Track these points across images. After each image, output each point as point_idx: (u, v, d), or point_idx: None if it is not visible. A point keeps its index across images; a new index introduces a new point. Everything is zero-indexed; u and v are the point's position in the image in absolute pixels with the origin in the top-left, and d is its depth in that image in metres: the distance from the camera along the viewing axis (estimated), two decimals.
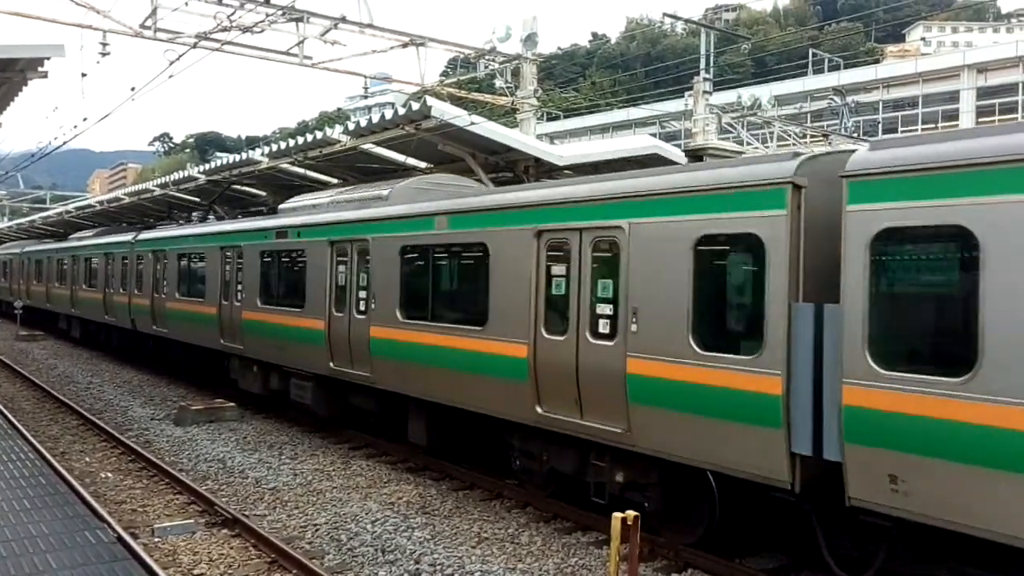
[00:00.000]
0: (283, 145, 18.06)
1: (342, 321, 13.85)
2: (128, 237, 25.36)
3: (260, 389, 17.27)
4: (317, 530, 10.21)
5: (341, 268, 14.03)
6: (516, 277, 10.35)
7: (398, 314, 12.50)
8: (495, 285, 10.73)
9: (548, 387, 9.90)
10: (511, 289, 10.44)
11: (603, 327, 9.24)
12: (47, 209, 51.15)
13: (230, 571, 8.90)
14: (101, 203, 33.17)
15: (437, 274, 12.31)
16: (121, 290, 25.26)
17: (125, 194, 30.20)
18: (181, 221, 24.29)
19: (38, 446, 13.49)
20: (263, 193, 22.64)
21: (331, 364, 14.05)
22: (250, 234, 17.40)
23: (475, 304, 11.23)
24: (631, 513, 6.78)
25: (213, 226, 20.28)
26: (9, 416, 15.90)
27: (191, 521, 10.32)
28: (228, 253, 18.25)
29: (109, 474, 12.94)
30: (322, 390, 15.00)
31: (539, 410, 10.00)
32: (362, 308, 13.42)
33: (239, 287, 17.66)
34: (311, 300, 14.72)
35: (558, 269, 9.91)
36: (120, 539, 8.76)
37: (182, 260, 20.99)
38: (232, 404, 17.52)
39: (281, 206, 17.15)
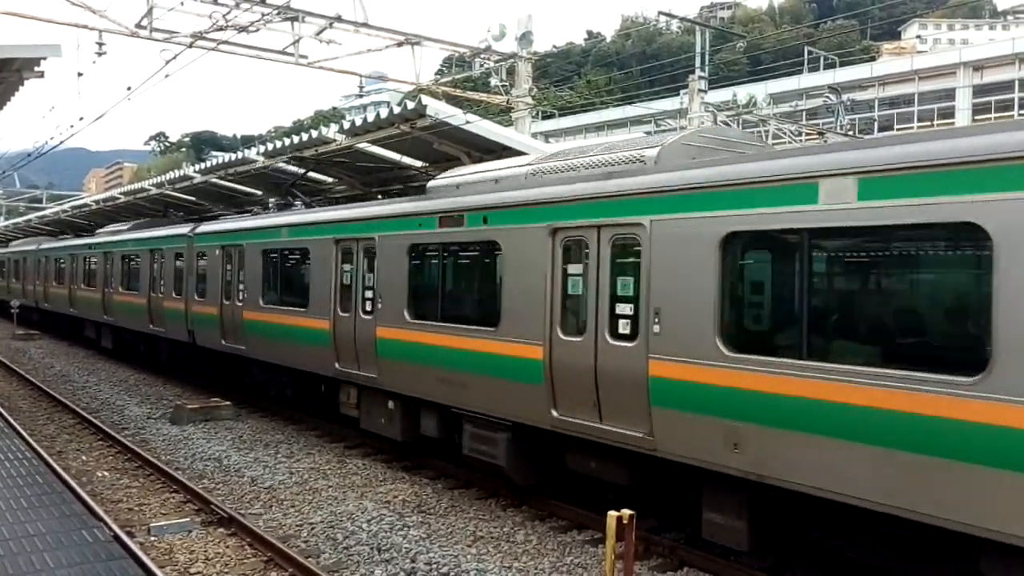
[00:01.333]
0: (279, 144, 18.06)
1: (579, 348, 9.30)
2: (183, 229, 20.97)
3: (400, 433, 12.84)
4: (313, 529, 10.24)
5: (572, 268, 9.61)
6: None
7: (718, 343, 7.84)
8: (1015, 296, 5.97)
9: None
10: None
11: None
12: (43, 208, 51.10)
13: (226, 570, 8.93)
14: (97, 202, 33.15)
15: (820, 275, 7.62)
16: (174, 295, 20.74)
17: (121, 193, 30.16)
18: (257, 210, 20.27)
19: (35, 445, 13.50)
20: (259, 192, 22.63)
21: (553, 411, 9.65)
22: (390, 222, 12.87)
23: (936, 330, 7.01)
24: (626, 512, 6.82)
25: (320, 213, 15.67)
26: (6, 415, 15.90)
27: (187, 520, 10.36)
28: (349, 247, 13.78)
29: (105, 473, 12.96)
30: (524, 446, 10.57)
31: None
32: (624, 330, 8.85)
33: (367, 294, 13.24)
34: (512, 314, 10.26)
35: None
36: (116, 538, 8.78)
37: (270, 257, 16.50)
38: (228, 403, 17.52)
39: (431, 184, 13.06)
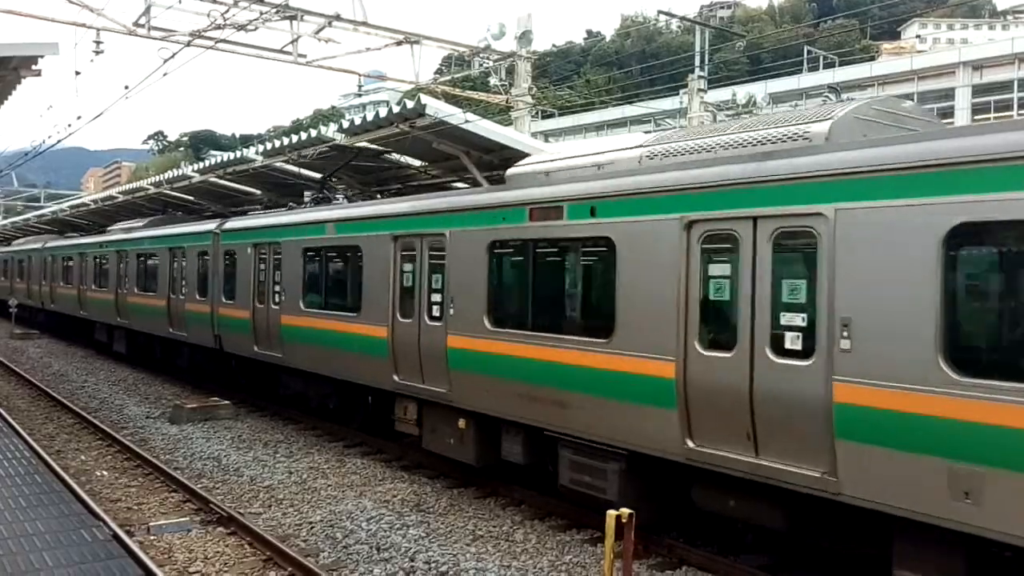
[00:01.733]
0: (277, 143, 18.03)
1: (727, 366, 7.73)
2: (209, 226, 19.64)
3: (475, 457, 11.25)
4: (312, 528, 10.24)
5: (715, 269, 8.01)
6: None
7: (942, 365, 6.20)
8: None
9: None
10: None
11: None
12: (42, 207, 51.10)
13: (225, 569, 8.93)
14: (96, 201, 33.11)
15: None
16: (198, 296, 19.43)
17: (120, 192, 30.11)
18: (291, 204, 19.00)
19: (34, 444, 13.49)
20: (257, 192, 22.61)
21: (688, 441, 8.07)
22: (464, 215, 11.23)
23: None
24: (625, 511, 6.82)
25: (374, 206, 14.29)
26: (5, 415, 15.88)
27: (186, 519, 10.37)
28: (411, 244, 12.28)
29: (104, 472, 12.96)
30: (639, 478, 8.99)
31: None
32: (793, 345, 7.28)
33: (434, 297, 11.72)
34: (631, 324, 8.69)
35: None
36: (116, 537, 8.77)
37: (312, 256, 14.96)
38: (227, 402, 17.52)
39: (511, 172, 11.49)
